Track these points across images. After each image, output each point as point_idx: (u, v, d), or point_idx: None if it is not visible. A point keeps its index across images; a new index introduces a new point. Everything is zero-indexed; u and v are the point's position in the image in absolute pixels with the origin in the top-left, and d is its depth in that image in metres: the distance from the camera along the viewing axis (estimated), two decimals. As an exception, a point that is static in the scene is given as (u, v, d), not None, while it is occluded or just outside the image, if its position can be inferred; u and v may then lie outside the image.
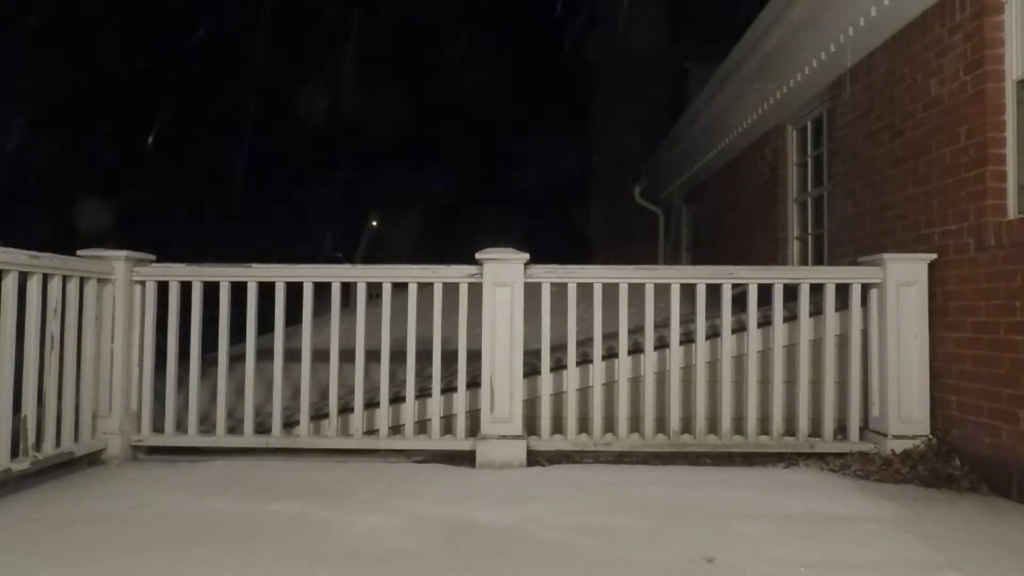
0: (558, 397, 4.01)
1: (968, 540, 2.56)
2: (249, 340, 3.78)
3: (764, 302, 3.92)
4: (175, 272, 3.81)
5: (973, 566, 2.31)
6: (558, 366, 4.06)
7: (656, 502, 3.02)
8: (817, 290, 3.91)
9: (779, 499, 3.06)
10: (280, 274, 3.79)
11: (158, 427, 3.83)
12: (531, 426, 3.88)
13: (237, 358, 3.87)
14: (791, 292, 3.89)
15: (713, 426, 3.83)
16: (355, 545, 2.45)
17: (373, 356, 3.82)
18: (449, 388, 4.01)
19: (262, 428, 3.85)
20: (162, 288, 3.82)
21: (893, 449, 3.61)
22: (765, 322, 3.97)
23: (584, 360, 4.04)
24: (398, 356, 3.81)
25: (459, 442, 3.77)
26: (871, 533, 2.61)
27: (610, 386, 3.98)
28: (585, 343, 4.00)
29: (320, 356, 3.90)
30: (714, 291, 3.90)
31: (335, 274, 3.84)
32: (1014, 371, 3.15)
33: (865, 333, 3.86)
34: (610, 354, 4.05)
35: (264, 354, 3.85)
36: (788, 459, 3.74)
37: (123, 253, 3.71)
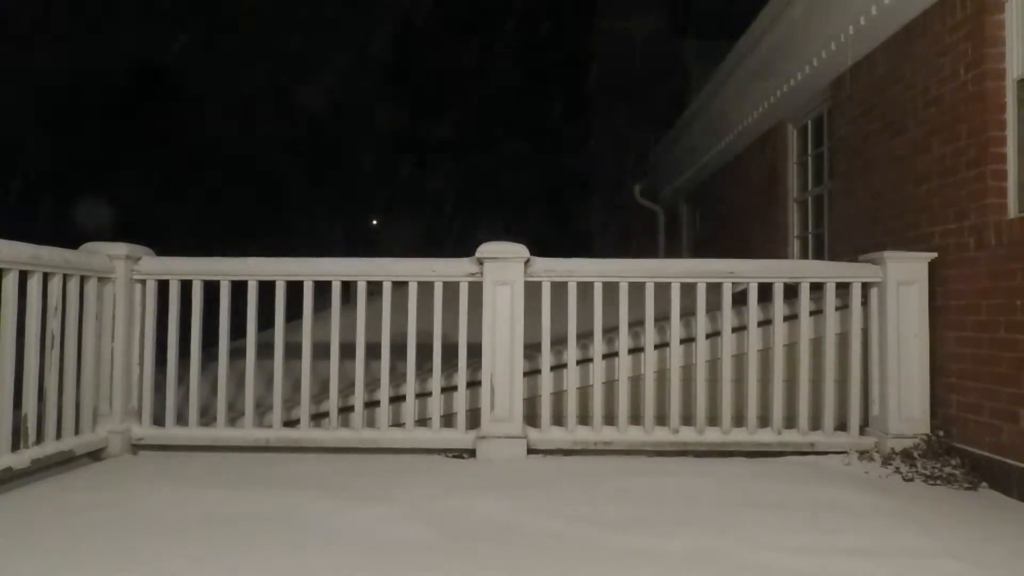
0: (558, 396, 4.01)
1: (968, 534, 2.56)
2: (250, 338, 3.78)
3: (764, 298, 3.93)
4: (175, 270, 3.81)
5: (972, 556, 2.32)
6: (559, 364, 4.06)
7: (658, 491, 3.03)
8: (817, 288, 3.92)
9: (780, 490, 3.08)
10: (279, 271, 3.79)
11: (159, 424, 3.83)
12: (531, 423, 3.89)
13: (237, 355, 3.88)
14: (791, 290, 3.89)
15: (713, 424, 3.84)
16: (354, 534, 2.46)
17: (373, 353, 3.83)
18: (449, 386, 4.01)
19: (262, 425, 3.85)
20: (162, 283, 3.82)
21: (893, 448, 3.62)
22: (766, 321, 3.97)
23: (584, 359, 4.04)
24: (399, 351, 3.81)
25: (460, 437, 3.77)
26: (871, 524, 2.63)
27: (610, 385, 3.99)
28: (585, 336, 4.01)
29: (320, 353, 3.90)
30: (714, 288, 3.90)
31: (334, 271, 3.83)
32: (1014, 370, 3.16)
33: (865, 332, 3.86)
34: (611, 352, 4.06)
35: (264, 350, 3.86)
36: (788, 456, 3.75)
37: (123, 249, 3.71)
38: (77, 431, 3.48)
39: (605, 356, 3.99)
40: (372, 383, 4.12)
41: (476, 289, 3.78)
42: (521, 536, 2.46)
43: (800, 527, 2.57)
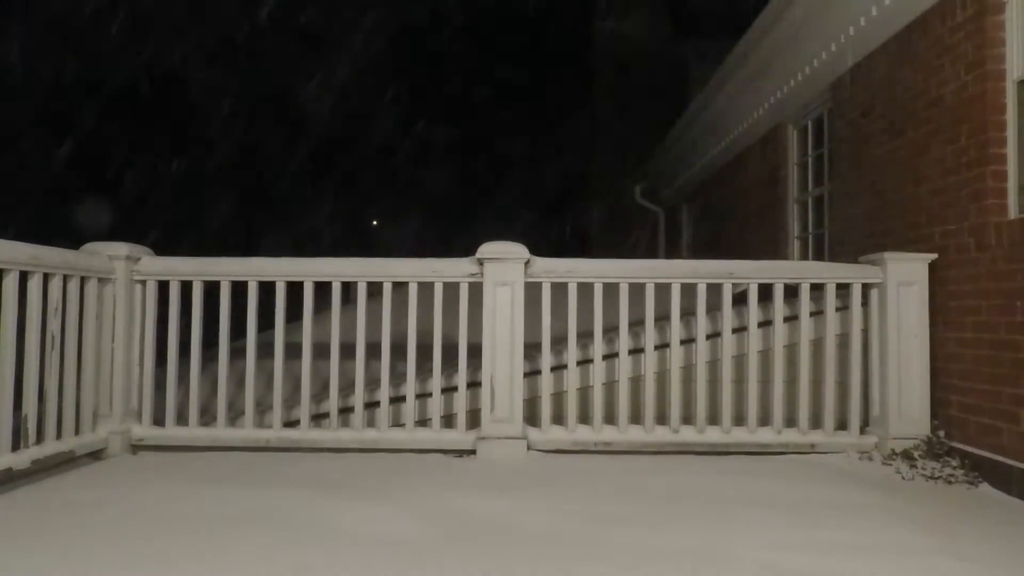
0: (559, 396, 4.01)
1: (968, 533, 2.57)
2: (250, 338, 3.78)
3: (765, 298, 3.93)
4: (176, 270, 3.82)
5: (972, 555, 2.32)
6: (559, 365, 4.06)
7: (658, 490, 3.04)
8: (818, 289, 3.92)
9: (779, 488, 3.08)
10: (279, 271, 3.79)
11: (159, 425, 3.83)
12: (532, 423, 3.88)
13: (238, 355, 3.88)
14: (792, 291, 3.89)
15: (714, 424, 3.83)
16: (354, 532, 2.46)
17: (374, 353, 3.83)
18: (450, 387, 4.01)
19: (262, 425, 3.85)
20: (163, 284, 3.82)
21: (893, 448, 3.62)
22: (766, 321, 3.97)
23: (585, 359, 4.04)
24: (399, 351, 3.81)
25: (460, 437, 3.77)
26: (872, 523, 2.63)
27: (611, 385, 3.99)
28: (585, 337, 4.01)
29: (321, 353, 3.90)
30: (715, 288, 3.90)
31: (334, 272, 3.83)
32: (1015, 371, 3.16)
33: (866, 332, 3.86)
34: (611, 353, 4.06)
35: (265, 350, 3.86)
36: (789, 456, 3.74)
37: (123, 250, 3.71)
38: (77, 431, 3.48)
39: (605, 356, 3.99)
40: (372, 383, 4.12)
41: (476, 289, 3.78)
42: (520, 535, 2.46)
43: (801, 526, 2.57)
